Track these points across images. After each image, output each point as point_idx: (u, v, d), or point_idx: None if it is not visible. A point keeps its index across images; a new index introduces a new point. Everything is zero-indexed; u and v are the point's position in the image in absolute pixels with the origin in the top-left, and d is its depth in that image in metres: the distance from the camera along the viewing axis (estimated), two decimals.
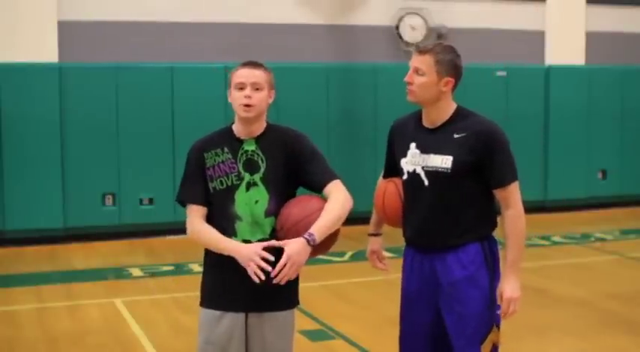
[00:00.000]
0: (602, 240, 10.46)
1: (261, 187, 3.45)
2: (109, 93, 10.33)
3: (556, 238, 10.54)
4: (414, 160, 3.62)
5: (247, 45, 11.13)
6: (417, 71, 3.54)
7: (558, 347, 6.12)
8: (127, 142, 10.40)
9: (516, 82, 12.24)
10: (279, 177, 3.47)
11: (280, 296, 3.51)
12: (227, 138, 3.53)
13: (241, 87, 3.43)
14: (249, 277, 3.33)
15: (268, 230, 3.44)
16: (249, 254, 3.32)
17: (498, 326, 3.64)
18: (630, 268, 8.96)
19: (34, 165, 10.05)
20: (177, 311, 7.05)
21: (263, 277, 3.28)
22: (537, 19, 12.76)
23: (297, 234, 3.32)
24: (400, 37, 11.85)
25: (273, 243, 3.36)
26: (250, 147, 3.49)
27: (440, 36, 11.80)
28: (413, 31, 11.86)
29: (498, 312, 3.57)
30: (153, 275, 8.62)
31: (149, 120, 10.48)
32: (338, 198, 3.41)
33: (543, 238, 10.40)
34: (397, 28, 11.85)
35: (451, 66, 3.54)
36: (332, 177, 3.48)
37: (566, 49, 12.88)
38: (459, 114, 3.60)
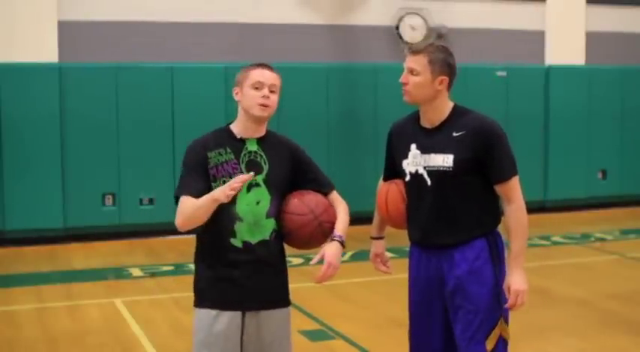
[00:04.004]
0: (602, 240, 10.45)
1: (264, 188, 3.45)
2: (109, 93, 10.33)
3: (556, 238, 10.54)
4: (415, 161, 3.64)
5: (247, 45, 11.14)
6: (411, 71, 3.58)
7: (558, 347, 6.12)
8: (127, 142, 10.40)
9: (516, 82, 12.23)
10: (282, 180, 3.49)
11: (276, 294, 3.52)
12: (227, 139, 3.49)
13: (259, 86, 3.43)
14: (244, 274, 3.39)
15: (269, 231, 3.44)
16: (222, 189, 3.28)
17: (507, 321, 3.62)
18: (630, 268, 8.96)
19: (34, 165, 10.04)
20: (177, 311, 7.05)
21: (239, 185, 3.25)
22: (537, 19, 12.76)
23: (328, 217, 3.45)
24: (400, 37, 11.85)
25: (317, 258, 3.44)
26: (253, 147, 3.49)
27: (440, 36, 11.78)
28: (413, 31, 11.86)
29: (506, 306, 3.55)
30: (153, 275, 8.62)
31: (149, 120, 10.48)
32: (344, 206, 3.60)
33: (543, 238, 10.39)
34: (397, 28, 11.85)
35: (445, 64, 3.58)
36: (332, 186, 3.65)
37: (566, 49, 12.88)
38: (457, 113, 3.64)
